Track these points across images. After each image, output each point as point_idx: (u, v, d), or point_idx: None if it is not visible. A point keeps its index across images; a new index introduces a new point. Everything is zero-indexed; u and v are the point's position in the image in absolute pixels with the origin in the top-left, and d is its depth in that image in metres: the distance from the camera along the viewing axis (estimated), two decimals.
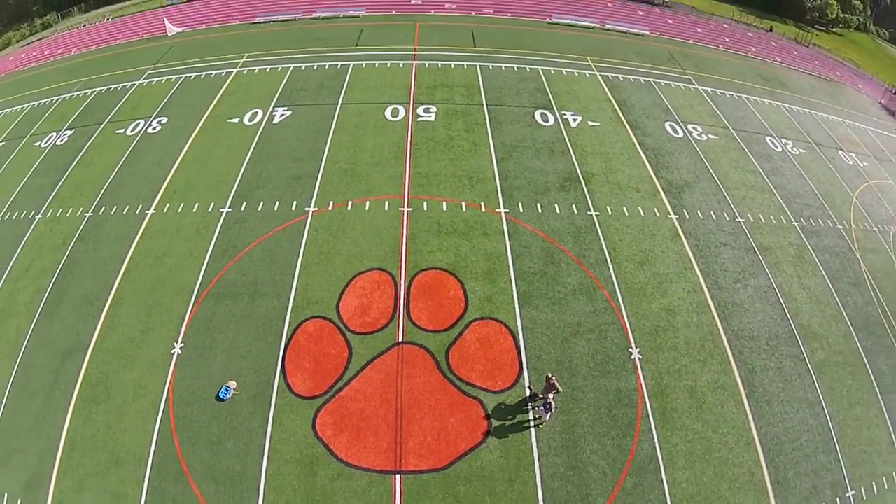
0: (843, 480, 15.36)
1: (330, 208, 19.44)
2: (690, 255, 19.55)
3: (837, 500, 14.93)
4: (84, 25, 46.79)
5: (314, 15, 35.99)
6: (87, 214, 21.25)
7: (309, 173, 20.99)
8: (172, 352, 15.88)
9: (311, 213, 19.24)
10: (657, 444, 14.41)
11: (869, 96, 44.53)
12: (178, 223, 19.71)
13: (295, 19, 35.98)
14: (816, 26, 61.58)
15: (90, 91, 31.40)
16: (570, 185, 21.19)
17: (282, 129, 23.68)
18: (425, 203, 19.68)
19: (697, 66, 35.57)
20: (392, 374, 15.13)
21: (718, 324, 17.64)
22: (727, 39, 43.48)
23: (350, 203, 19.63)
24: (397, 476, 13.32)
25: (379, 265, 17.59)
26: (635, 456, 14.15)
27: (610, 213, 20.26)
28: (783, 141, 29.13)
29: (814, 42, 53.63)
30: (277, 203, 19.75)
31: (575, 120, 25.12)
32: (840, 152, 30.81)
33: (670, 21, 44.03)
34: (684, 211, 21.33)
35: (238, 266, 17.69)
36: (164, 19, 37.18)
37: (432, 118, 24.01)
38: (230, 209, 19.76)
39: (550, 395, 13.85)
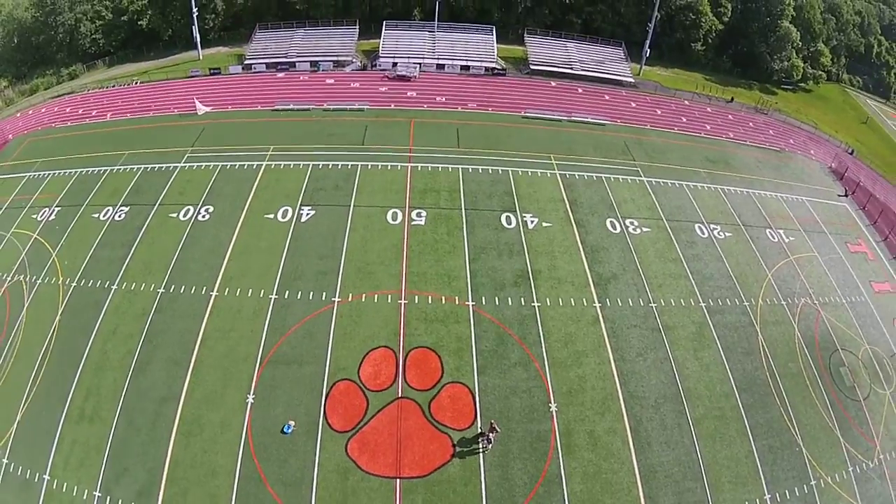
0: (706, 501, 25.71)
1: (349, 300, 31.00)
2: (605, 335, 30.91)
3: None
4: (112, 86, 57.25)
5: (324, 106, 47.76)
6: (160, 290, 32.02)
7: (332, 269, 32.54)
8: (247, 401, 26.88)
9: (336, 303, 30.77)
10: (562, 467, 25.48)
11: (819, 162, 54.60)
12: (238, 305, 30.90)
13: (309, 109, 47.77)
14: (783, 86, 72.51)
15: (136, 167, 41.80)
16: (521, 281, 32.87)
17: (308, 227, 35.29)
18: (416, 297, 31.33)
19: (648, 154, 46.98)
20: (394, 417, 26.53)
21: (618, 387, 28.69)
22: (684, 119, 55.23)
23: (363, 296, 31.19)
24: (397, 480, 24.63)
25: (385, 344, 29.09)
26: (546, 473, 25.30)
27: (548, 304, 31.80)
28: (711, 227, 40.08)
29: (774, 107, 63.97)
30: (311, 293, 31.22)
31: (532, 222, 36.87)
32: (768, 230, 41.32)
33: (633, 105, 56.06)
34: (607, 300, 32.71)
35: (287, 341, 29.05)
36: (195, 100, 48.59)
37: (423, 222, 35.77)
38: (277, 296, 31.15)
39: (492, 434, 25.30)
